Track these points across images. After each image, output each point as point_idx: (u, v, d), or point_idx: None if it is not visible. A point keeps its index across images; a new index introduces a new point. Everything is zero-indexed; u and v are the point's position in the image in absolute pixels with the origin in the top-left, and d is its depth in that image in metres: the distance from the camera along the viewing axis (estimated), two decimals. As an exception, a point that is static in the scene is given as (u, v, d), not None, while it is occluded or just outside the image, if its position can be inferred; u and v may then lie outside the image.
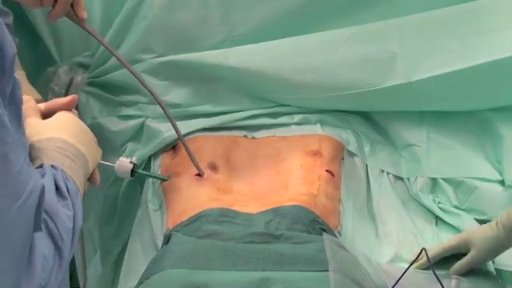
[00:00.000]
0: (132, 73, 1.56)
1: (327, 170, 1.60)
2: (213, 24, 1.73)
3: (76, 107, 1.74)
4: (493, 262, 1.45)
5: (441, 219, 1.58)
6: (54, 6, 1.39)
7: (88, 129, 1.22)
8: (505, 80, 1.64)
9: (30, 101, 1.20)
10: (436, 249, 1.43)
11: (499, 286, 1.38)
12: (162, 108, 1.57)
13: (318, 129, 1.72)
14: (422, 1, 1.69)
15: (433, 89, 1.67)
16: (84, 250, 1.77)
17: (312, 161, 1.61)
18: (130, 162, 1.56)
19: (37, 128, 1.16)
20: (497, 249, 1.38)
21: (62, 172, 1.06)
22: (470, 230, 1.47)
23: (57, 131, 1.15)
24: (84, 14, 1.45)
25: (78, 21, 1.46)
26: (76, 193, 1.07)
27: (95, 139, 1.23)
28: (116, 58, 1.56)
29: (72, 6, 1.42)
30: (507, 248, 1.36)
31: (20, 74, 1.57)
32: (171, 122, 1.58)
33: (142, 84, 1.56)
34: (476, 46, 1.64)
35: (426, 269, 1.40)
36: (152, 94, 1.57)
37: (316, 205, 1.50)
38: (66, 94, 1.71)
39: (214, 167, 1.62)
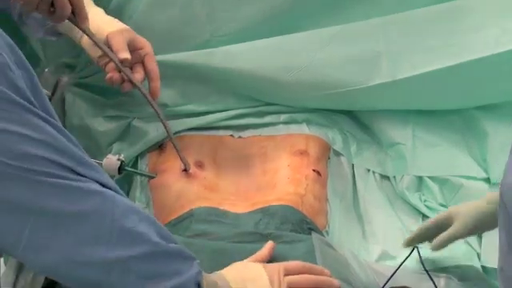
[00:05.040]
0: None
1: (314, 170, 1.60)
2: (198, 24, 1.72)
3: (63, 108, 1.75)
4: (479, 259, 1.46)
5: (427, 217, 1.59)
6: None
7: None
8: (488, 78, 1.66)
9: None
10: (422, 226, 1.44)
11: (488, 284, 1.39)
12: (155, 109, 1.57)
13: (304, 128, 1.72)
14: (405, 0, 1.71)
15: (417, 87, 1.68)
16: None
17: (299, 160, 1.62)
18: (118, 159, 1.56)
19: None
20: (480, 224, 1.35)
21: None
22: (455, 206, 1.45)
23: None
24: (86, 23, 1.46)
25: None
26: None
27: None
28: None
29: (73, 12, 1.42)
30: (491, 226, 1.33)
31: None
32: (163, 123, 1.57)
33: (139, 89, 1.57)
34: (459, 44, 1.65)
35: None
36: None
37: (303, 204, 1.51)
38: (53, 95, 1.70)
39: (200, 165, 1.62)
